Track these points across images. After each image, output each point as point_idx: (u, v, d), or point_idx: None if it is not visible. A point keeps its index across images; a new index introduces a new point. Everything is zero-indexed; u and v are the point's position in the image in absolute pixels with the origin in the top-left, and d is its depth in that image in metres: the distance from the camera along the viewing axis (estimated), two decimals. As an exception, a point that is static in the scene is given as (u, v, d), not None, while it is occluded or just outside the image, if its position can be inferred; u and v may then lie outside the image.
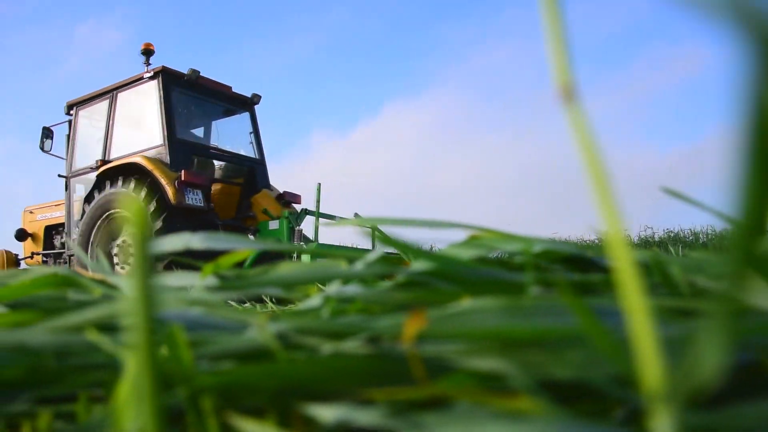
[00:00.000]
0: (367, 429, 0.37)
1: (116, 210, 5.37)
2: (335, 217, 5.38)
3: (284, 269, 0.56)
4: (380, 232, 0.44)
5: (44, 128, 6.22)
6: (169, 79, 5.67)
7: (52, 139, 6.34)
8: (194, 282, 0.59)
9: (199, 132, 6.39)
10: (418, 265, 0.50)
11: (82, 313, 0.46)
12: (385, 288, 0.50)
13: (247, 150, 6.43)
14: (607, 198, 0.26)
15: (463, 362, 0.38)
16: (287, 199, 5.98)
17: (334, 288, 0.53)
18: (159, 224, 5.00)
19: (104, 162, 5.72)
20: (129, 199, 0.23)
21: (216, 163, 6.16)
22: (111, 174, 5.50)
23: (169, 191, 5.06)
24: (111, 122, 5.94)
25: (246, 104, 6.37)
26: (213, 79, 6.03)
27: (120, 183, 5.37)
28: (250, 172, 6.03)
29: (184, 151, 5.55)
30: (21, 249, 7.02)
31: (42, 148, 6.25)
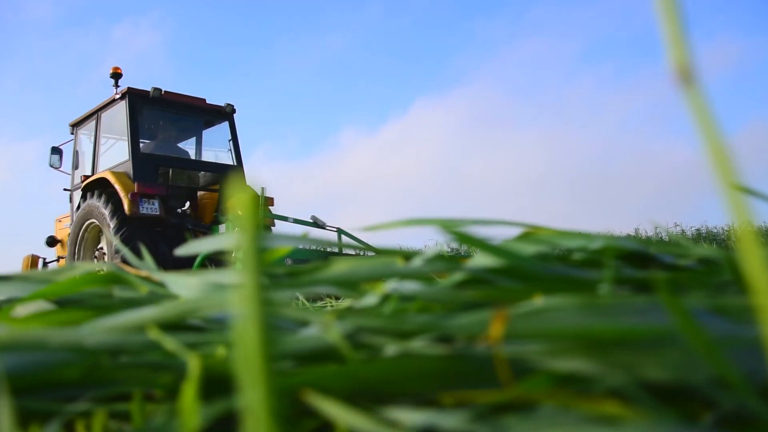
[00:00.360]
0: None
1: (93, 220, 6.06)
2: (288, 218, 5.74)
3: (338, 267, 0.55)
4: (454, 230, 0.42)
5: (53, 147, 6.85)
6: (135, 99, 6.23)
7: (61, 156, 6.96)
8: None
9: (183, 144, 6.95)
10: (481, 262, 0.49)
11: (140, 313, 0.44)
12: (446, 286, 0.48)
13: (228, 158, 6.95)
14: (731, 187, 0.24)
15: (544, 363, 0.37)
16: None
17: (392, 285, 0.52)
18: (120, 234, 5.61)
19: (87, 177, 6.39)
20: (239, 194, 0.22)
21: (200, 173, 6.65)
22: (91, 187, 6.13)
23: (125, 203, 5.62)
24: (97, 140, 6.60)
25: (222, 114, 6.84)
26: (184, 93, 6.58)
27: (95, 196, 5.98)
28: (225, 179, 6.41)
29: (150, 164, 6.09)
30: (53, 254, 7.45)
31: (51, 165, 6.84)
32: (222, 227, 5.96)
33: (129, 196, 5.62)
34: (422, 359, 0.38)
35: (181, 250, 0.58)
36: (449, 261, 0.49)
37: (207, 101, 6.77)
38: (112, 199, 5.76)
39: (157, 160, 6.23)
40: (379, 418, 0.34)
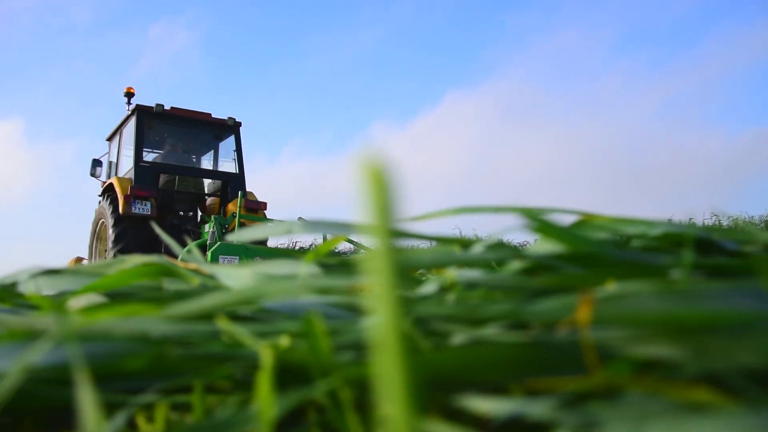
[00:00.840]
0: (523, 421, 0.35)
1: (103, 220, 7.04)
2: (270, 220, 6.40)
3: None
4: (535, 218, 0.41)
5: (93, 160, 7.90)
6: (142, 115, 7.14)
7: (100, 166, 8.00)
8: (295, 270, 0.57)
9: (197, 155, 7.96)
10: (543, 249, 0.48)
11: (203, 301, 0.44)
12: (510, 273, 0.48)
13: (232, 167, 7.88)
14: None
15: (626, 349, 0.36)
16: (250, 206, 7.09)
17: (451, 273, 0.51)
18: (115, 230, 6.51)
19: (104, 183, 7.47)
20: (367, 169, 0.21)
21: (206, 181, 7.62)
22: (105, 192, 7.14)
23: (120, 203, 6.46)
24: (119, 152, 7.65)
25: (228, 128, 7.72)
26: (190, 109, 7.51)
27: (106, 199, 6.93)
28: (224, 185, 7.36)
29: (151, 171, 6.98)
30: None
31: (92, 175, 7.85)
32: (207, 226, 6.68)
33: (123, 197, 6.46)
34: (498, 347, 0.37)
35: (232, 237, 0.58)
36: (510, 249, 0.48)
37: (212, 115, 7.60)
38: (114, 201, 6.66)
39: (158, 168, 7.14)
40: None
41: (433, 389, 0.38)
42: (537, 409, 0.33)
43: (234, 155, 7.72)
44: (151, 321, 0.44)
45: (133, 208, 6.44)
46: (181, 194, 7.20)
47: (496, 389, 0.38)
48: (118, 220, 6.55)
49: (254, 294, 0.42)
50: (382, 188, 0.20)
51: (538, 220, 0.41)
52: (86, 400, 0.30)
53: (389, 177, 0.20)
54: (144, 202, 6.54)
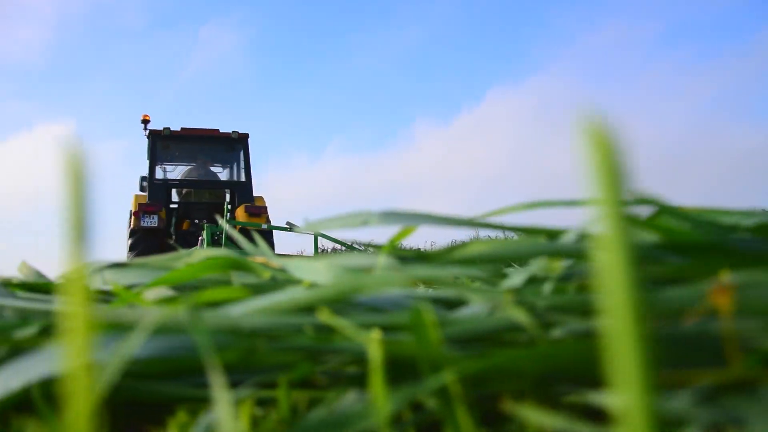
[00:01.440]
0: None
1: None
2: (261, 225, 6.77)
3: (474, 247, 0.53)
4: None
5: (141, 176, 8.66)
6: (155, 138, 8.14)
7: (146, 182, 8.83)
8: (371, 262, 0.56)
9: (212, 167, 8.76)
10: (644, 238, 0.46)
11: (293, 294, 0.43)
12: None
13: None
14: None
15: (761, 340, 0.34)
16: (252, 211, 7.69)
17: (536, 266, 0.49)
18: (130, 240, 7.43)
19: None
20: (595, 138, 0.19)
21: (225, 190, 8.42)
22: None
23: (132, 218, 7.47)
24: (151, 170, 8.46)
25: (237, 140, 8.45)
26: (198, 127, 8.41)
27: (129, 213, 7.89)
28: (232, 194, 8.18)
29: (162, 187, 7.99)
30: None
31: (141, 190, 8.57)
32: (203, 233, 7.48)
33: (134, 212, 7.42)
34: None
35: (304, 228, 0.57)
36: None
37: (220, 131, 8.49)
38: (130, 215, 7.66)
39: (170, 183, 8.17)
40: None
41: (552, 383, 0.36)
42: (673, 404, 0.31)
43: (242, 164, 8.50)
44: (244, 313, 0.42)
45: (142, 222, 7.45)
46: (197, 205, 8.15)
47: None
48: (132, 232, 7.58)
49: (354, 286, 0.41)
50: (610, 159, 0.19)
51: (659, 205, 0.39)
52: (220, 394, 0.29)
53: (617, 146, 0.19)
54: (152, 215, 7.53)
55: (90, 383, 0.23)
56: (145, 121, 8.56)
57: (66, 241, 0.24)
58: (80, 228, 0.24)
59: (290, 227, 6.50)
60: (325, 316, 0.39)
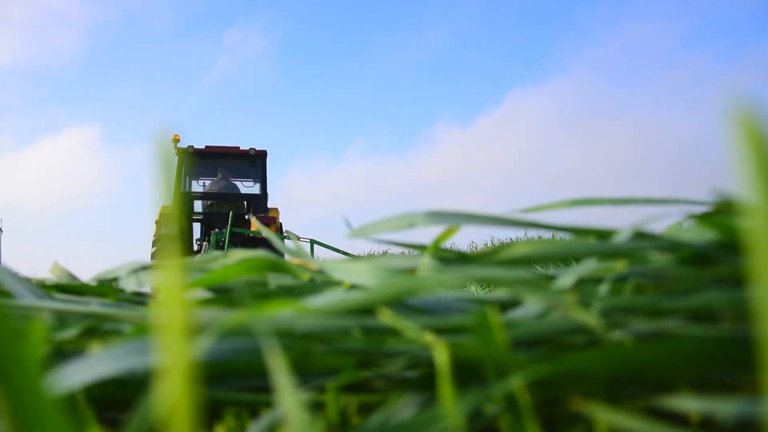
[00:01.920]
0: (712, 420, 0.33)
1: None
2: (259, 232, 7.71)
3: (519, 248, 0.52)
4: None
5: None
6: (181, 154, 8.98)
7: None
8: (414, 264, 0.55)
9: (234, 181, 9.60)
10: (701, 237, 0.45)
11: (349, 295, 0.42)
12: (663, 265, 0.45)
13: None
14: None
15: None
16: (263, 221, 8.56)
17: (584, 267, 0.48)
18: (153, 249, 8.26)
19: None
20: (745, 127, 0.19)
21: (243, 201, 9.35)
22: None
23: (155, 227, 8.38)
24: (176, 182, 9.29)
25: (255, 157, 9.38)
26: (220, 145, 9.39)
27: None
28: (248, 204, 9.19)
29: (189, 199, 9.06)
30: None
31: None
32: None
33: (156, 222, 8.00)
34: (690, 341, 0.35)
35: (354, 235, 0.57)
36: (658, 239, 0.46)
37: (240, 148, 9.34)
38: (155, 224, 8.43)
39: (193, 195, 9.14)
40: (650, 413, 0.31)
41: (619, 386, 0.36)
42: (730, 407, 0.31)
43: (260, 178, 9.48)
44: (298, 316, 0.42)
45: (163, 230, 8.71)
46: (219, 215, 8.96)
47: (699, 388, 0.36)
48: (155, 241, 8.50)
49: (407, 287, 0.40)
50: (761, 148, 0.18)
51: (726, 202, 0.39)
52: (289, 397, 0.29)
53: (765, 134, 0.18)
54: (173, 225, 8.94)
55: (190, 385, 0.23)
56: (176, 140, 9.29)
57: (159, 244, 0.23)
58: (173, 231, 0.24)
59: (286, 235, 7.02)
60: (387, 318, 0.39)
